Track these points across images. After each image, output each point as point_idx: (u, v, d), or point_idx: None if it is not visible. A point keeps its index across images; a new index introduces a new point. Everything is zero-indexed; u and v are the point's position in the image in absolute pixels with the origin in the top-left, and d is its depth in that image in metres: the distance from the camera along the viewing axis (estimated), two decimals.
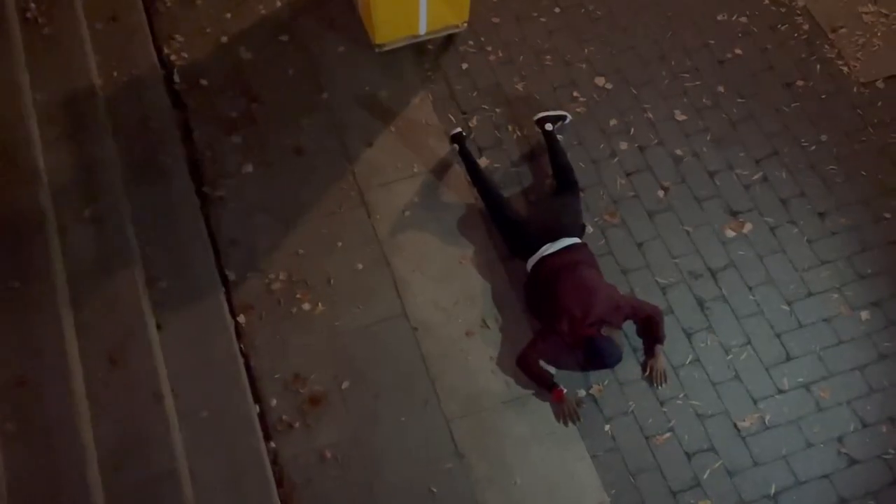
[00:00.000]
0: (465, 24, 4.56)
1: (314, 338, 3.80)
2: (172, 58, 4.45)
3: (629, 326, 3.89)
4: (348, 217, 4.11)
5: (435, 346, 3.82)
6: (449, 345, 3.83)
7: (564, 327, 3.63)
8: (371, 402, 3.69)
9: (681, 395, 3.78)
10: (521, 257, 3.93)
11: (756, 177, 4.33)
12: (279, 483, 3.46)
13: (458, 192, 4.22)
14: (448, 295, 3.95)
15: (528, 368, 3.70)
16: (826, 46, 4.61)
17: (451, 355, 3.80)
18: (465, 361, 3.80)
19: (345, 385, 3.70)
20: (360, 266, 4.00)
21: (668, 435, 3.68)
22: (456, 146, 4.21)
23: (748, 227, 4.19)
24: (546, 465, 3.59)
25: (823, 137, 4.40)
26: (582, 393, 3.77)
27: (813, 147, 4.38)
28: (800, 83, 4.57)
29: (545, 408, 3.74)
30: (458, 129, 4.25)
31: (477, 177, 4.11)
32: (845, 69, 4.54)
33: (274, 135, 4.30)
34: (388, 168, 4.25)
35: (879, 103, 4.42)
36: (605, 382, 3.80)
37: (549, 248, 3.82)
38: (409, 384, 3.73)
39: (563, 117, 4.35)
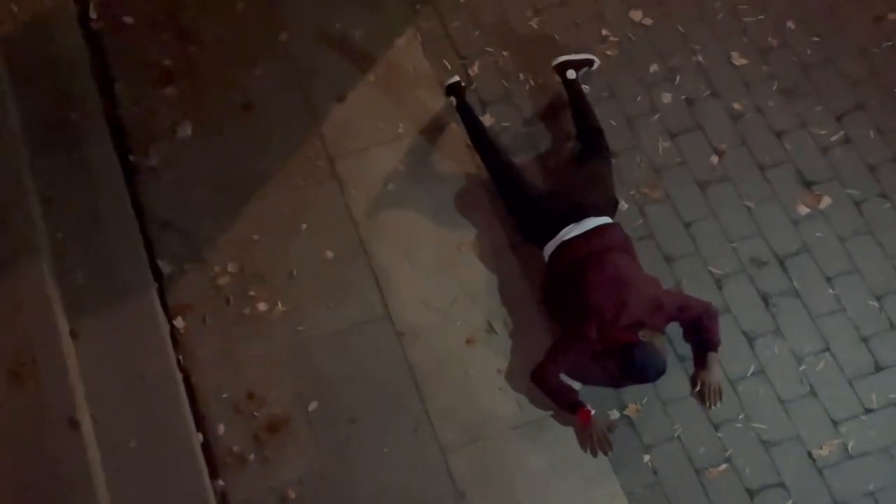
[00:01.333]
0: None
1: (272, 347, 3.80)
2: None
3: (675, 329, 3.87)
4: (315, 192, 4.11)
5: (427, 356, 3.82)
6: (445, 355, 3.83)
7: (592, 331, 3.63)
8: (345, 428, 3.69)
9: (740, 417, 3.78)
10: (537, 242, 3.93)
11: (836, 137, 4.32)
12: None
13: (456, 160, 4.22)
14: (443, 291, 3.95)
15: (546, 384, 3.70)
16: None
17: (447, 368, 3.81)
18: (466, 376, 3.81)
19: (312, 407, 3.71)
20: (331, 255, 4.00)
21: (724, 467, 3.68)
22: (453, 100, 4.20)
23: (826, 201, 4.19)
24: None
25: None
26: (615, 414, 3.77)
27: None
28: (892, 16, 4.57)
29: (568, 434, 3.74)
30: (456, 79, 4.24)
31: (479, 139, 4.12)
32: None
33: (218, 87, 4.30)
34: (365, 129, 4.25)
35: None
36: (645, 401, 3.79)
37: (572, 231, 3.82)
38: (393, 406, 3.73)
39: (590, 62, 4.35)
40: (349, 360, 3.79)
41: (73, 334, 3.67)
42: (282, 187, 4.11)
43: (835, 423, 3.77)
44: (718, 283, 4.03)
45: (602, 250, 3.74)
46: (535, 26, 4.51)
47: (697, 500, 3.62)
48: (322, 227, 4.04)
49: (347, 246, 4.00)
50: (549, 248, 3.86)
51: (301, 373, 3.76)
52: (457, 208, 4.12)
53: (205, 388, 3.71)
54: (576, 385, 3.77)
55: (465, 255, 4.03)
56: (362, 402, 3.72)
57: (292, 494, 3.55)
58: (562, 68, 4.26)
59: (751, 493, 3.64)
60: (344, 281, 3.94)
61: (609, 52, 4.47)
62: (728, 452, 3.72)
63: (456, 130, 4.26)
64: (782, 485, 3.67)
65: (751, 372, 3.87)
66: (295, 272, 3.95)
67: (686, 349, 3.88)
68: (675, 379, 3.82)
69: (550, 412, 3.76)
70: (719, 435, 3.75)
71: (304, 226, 4.05)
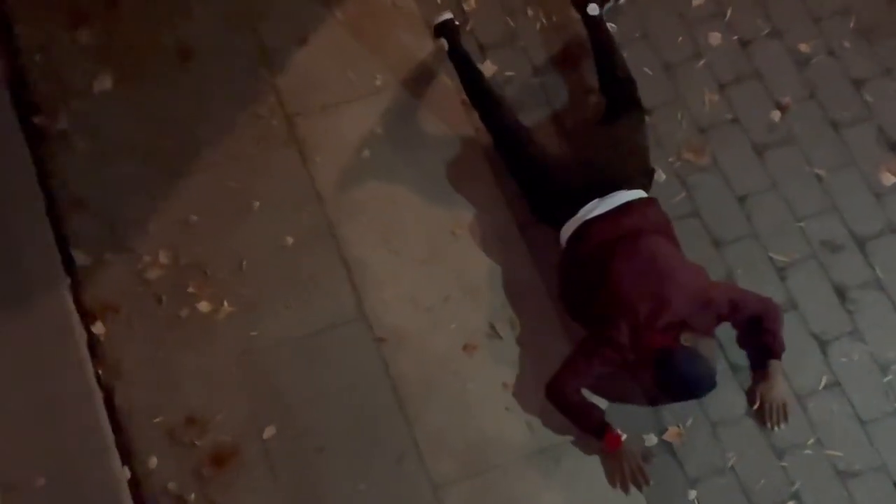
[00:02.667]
0: None
1: (217, 358, 3.80)
2: None
3: (726, 332, 3.85)
4: (270, 161, 4.10)
5: (413, 368, 3.82)
6: (436, 366, 3.83)
7: (623, 335, 3.62)
8: (312, 459, 3.67)
9: (810, 441, 3.78)
10: (552, 223, 3.94)
11: None
12: None
13: (449, 120, 4.22)
14: (433, 286, 3.95)
15: (564, 402, 3.70)
16: None
17: (439, 383, 3.80)
18: (463, 392, 3.80)
19: (268, 433, 3.70)
20: (291, 241, 3.99)
21: None
22: (444, 43, 4.18)
23: None
24: None
25: None
26: (652, 440, 3.77)
27: None
28: None
29: (592, 465, 3.73)
30: (448, 16, 4.23)
31: (478, 93, 4.11)
32: None
33: (146, 29, 4.26)
34: (332, 81, 4.24)
35: None
36: (689, 422, 3.79)
37: (596, 208, 3.83)
38: (372, 430, 3.73)
39: None
40: (315, 374, 3.79)
41: None
42: (227, 155, 4.09)
43: None
44: (781, 272, 4.04)
45: (634, 232, 3.74)
46: None
47: None
48: (279, 205, 4.02)
49: (312, 229, 4.00)
50: (568, 229, 3.86)
51: (254, 390, 3.75)
52: (450, 181, 4.12)
53: (132, 410, 3.69)
54: (602, 403, 3.77)
55: (461, 241, 4.03)
56: (332, 426, 3.72)
57: None
58: (582, 2, 4.23)
59: None
60: (308, 273, 3.94)
61: None
62: (795, 486, 3.71)
63: (448, 83, 4.26)
64: None
65: (823, 384, 3.86)
66: (245, 263, 3.94)
67: (741, 356, 3.88)
68: (728, 394, 3.81)
69: (570, 438, 3.76)
70: (783, 464, 3.75)
71: (257, 204, 4.03)
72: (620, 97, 4.13)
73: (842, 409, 3.82)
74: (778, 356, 3.80)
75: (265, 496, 3.61)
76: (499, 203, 4.08)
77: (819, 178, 4.19)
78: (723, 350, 3.88)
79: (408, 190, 4.09)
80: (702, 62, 4.35)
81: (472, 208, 4.08)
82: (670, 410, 3.80)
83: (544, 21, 4.40)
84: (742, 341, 3.87)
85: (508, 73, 4.31)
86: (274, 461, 3.66)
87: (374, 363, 3.83)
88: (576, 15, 4.29)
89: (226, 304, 3.87)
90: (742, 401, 3.84)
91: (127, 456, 3.63)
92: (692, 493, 3.68)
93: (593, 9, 4.22)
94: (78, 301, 3.83)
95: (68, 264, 3.88)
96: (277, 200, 4.04)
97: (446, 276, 3.97)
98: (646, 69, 4.31)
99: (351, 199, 4.06)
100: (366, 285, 3.94)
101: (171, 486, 3.60)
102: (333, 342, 3.84)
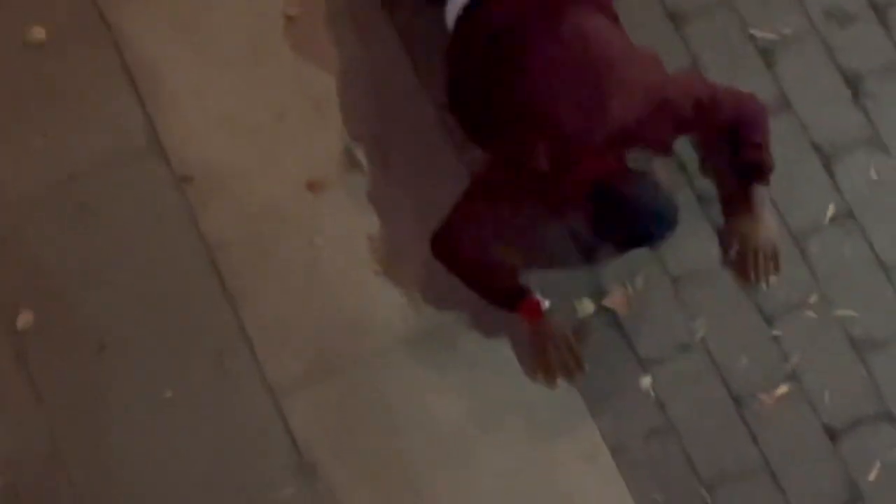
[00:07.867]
0: None
1: None
2: None
3: (687, 148, 3.79)
4: None
5: (236, 220, 3.75)
6: (268, 216, 3.77)
7: (541, 160, 3.45)
8: (89, 360, 3.57)
9: (813, 299, 3.71)
10: None
11: None
12: None
13: None
14: (260, 97, 3.86)
15: (458, 259, 3.61)
16: None
17: (274, 241, 3.75)
18: (309, 252, 3.72)
19: (23, 322, 3.61)
20: (41, 34, 3.84)
21: (784, 389, 3.64)
22: None
23: None
24: (506, 478, 3.56)
25: None
26: (587, 308, 3.69)
27: None
28: None
29: (502, 348, 3.67)
30: None
31: None
32: None
33: None
34: None
35: None
36: (639, 281, 3.71)
37: None
38: (177, 315, 3.66)
39: None
40: (89, 235, 3.70)
41: None
42: None
43: None
44: (766, 55, 3.94)
45: (553, 4, 3.56)
46: None
47: (741, 455, 3.60)
48: None
49: (72, 15, 3.85)
50: (456, 4, 3.67)
51: None
52: None
53: None
54: (514, 259, 3.68)
55: (297, 27, 3.93)
56: (117, 312, 3.64)
57: None
58: None
59: (832, 433, 3.62)
60: (70, 84, 3.81)
61: None
62: (791, 363, 3.65)
63: None
64: (889, 416, 3.64)
65: (830, 216, 3.79)
66: None
67: (707, 187, 3.84)
68: (694, 238, 3.76)
69: (467, 312, 3.69)
70: (775, 333, 3.68)
71: None
72: None
73: (857, 251, 3.79)
74: (764, 178, 3.72)
75: (20, 420, 3.56)
76: None
77: None
78: (686, 174, 3.79)
79: None
80: None
81: None
82: (612, 266, 3.74)
83: None
84: (711, 160, 3.83)
85: None
86: (31, 365, 3.59)
87: (175, 215, 3.74)
88: None
89: None
90: (714, 246, 3.79)
91: None
92: (645, 381, 3.65)
93: None
94: None
95: None
96: None
97: (278, 82, 3.88)
98: None
99: None
100: (158, 100, 3.83)
101: None
102: (114, 186, 3.74)
